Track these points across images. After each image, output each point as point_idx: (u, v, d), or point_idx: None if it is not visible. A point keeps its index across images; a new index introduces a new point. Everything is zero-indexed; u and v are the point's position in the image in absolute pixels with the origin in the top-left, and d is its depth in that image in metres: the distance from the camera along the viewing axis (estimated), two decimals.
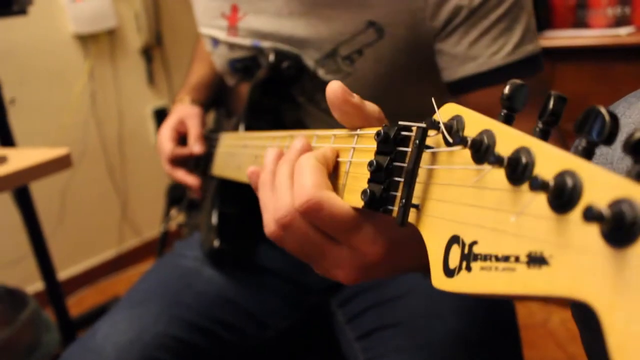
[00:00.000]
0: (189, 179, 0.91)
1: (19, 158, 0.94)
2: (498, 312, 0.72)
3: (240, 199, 0.83)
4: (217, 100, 1.08)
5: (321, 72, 0.78)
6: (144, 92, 2.41)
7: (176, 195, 1.88)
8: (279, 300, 0.87)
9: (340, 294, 0.84)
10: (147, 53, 2.38)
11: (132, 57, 2.35)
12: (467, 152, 0.29)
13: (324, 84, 0.77)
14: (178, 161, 0.92)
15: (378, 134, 0.35)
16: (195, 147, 0.90)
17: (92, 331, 0.76)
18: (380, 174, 0.34)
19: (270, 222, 0.43)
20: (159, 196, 2.15)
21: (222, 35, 0.85)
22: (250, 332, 0.83)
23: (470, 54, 0.69)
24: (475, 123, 0.29)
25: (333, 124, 0.44)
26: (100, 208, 2.33)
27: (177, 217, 1.52)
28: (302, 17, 0.76)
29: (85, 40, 2.18)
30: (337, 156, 0.42)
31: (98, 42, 2.22)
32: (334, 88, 0.39)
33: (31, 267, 1.73)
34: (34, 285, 2.00)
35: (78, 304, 2.19)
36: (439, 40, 0.71)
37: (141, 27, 2.32)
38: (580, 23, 1.84)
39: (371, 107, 0.41)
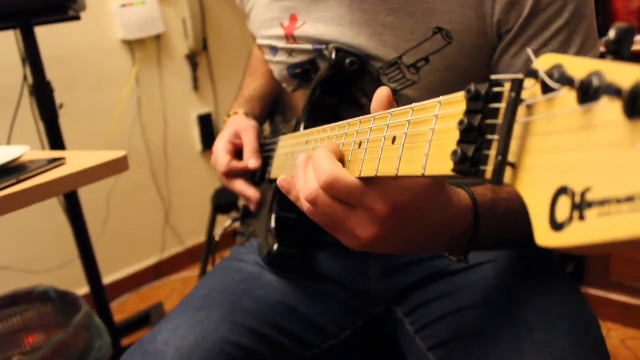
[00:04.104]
0: (250, 192, 0.90)
1: (77, 160, 0.95)
2: (586, 322, 0.68)
3: None
4: (270, 114, 1.09)
5: (385, 80, 0.77)
6: (189, 98, 2.45)
7: (222, 202, 1.90)
8: (341, 308, 0.85)
9: (407, 303, 0.82)
10: (193, 59, 2.42)
11: (178, 63, 2.40)
12: (571, 97, 0.26)
13: None
14: (234, 174, 0.92)
15: (468, 91, 0.33)
16: (251, 161, 0.90)
17: (152, 335, 0.76)
18: (472, 133, 0.33)
19: (303, 202, 0.54)
20: (202, 203, 2.17)
21: (281, 43, 0.85)
22: (312, 341, 0.81)
23: (529, 66, 0.68)
24: (579, 67, 0.27)
25: None
26: (144, 214, 2.37)
27: (223, 224, 1.53)
28: (364, 26, 0.75)
29: (133, 45, 2.24)
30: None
31: (145, 47, 2.27)
32: (382, 97, 0.51)
33: (76, 272, 1.77)
34: (79, 290, 2.04)
35: (120, 310, 2.22)
36: (500, 49, 0.71)
37: (188, 33, 2.36)
38: None
39: None
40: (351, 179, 0.48)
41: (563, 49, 0.67)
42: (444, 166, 0.35)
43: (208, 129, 2.50)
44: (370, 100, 0.79)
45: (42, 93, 1.49)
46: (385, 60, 0.75)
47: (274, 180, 0.84)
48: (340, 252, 0.86)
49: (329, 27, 0.79)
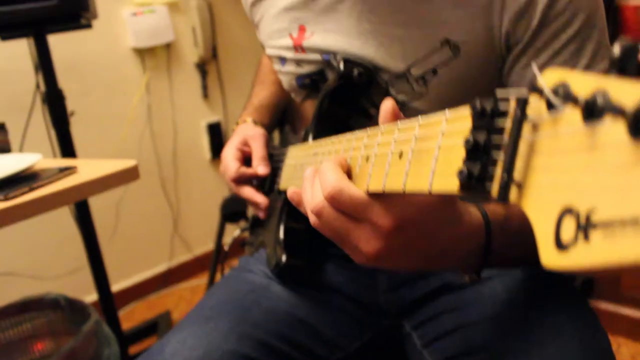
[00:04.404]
0: (258, 198, 0.91)
1: (88, 169, 0.96)
2: (596, 338, 0.67)
3: None
4: (279, 122, 1.09)
5: (393, 92, 0.77)
6: (199, 106, 2.47)
7: (231, 211, 1.90)
8: (349, 321, 0.85)
9: (415, 316, 0.82)
10: (202, 67, 2.44)
11: (187, 71, 2.41)
12: (575, 115, 0.26)
13: (397, 102, 0.76)
14: (242, 181, 0.93)
15: (473, 107, 0.33)
16: (260, 168, 0.90)
17: (160, 346, 0.76)
18: (478, 151, 0.33)
19: (310, 214, 0.53)
20: (211, 211, 2.18)
21: (289, 54, 0.85)
22: (320, 353, 0.81)
23: None
24: (583, 84, 0.27)
25: None
26: (153, 222, 2.37)
27: (231, 233, 1.53)
28: (372, 37, 0.75)
29: (143, 53, 2.25)
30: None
31: (155, 55, 2.29)
32: (387, 109, 0.51)
33: (85, 279, 1.78)
34: (87, 297, 2.05)
35: (128, 317, 2.23)
36: (510, 60, 0.70)
37: (198, 42, 2.38)
38: None
39: None
40: (355, 190, 0.48)
41: (574, 59, 0.67)
42: (451, 184, 0.35)
43: (217, 137, 2.51)
44: (378, 111, 0.80)
45: (54, 101, 1.51)
46: (393, 72, 0.75)
47: (283, 191, 0.84)
48: (349, 264, 0.86)
49: (337, 37, 0.79)
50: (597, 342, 0.66)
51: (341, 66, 0.76)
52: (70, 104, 1.54)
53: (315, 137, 0.80)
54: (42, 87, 1.53)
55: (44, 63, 1.48)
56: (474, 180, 0.33)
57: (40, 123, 1.81)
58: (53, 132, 1.55)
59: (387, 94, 0.77)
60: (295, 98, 0.94)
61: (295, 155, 0.80)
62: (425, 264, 0.54)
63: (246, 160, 0.95)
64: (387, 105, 0.51)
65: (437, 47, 0.71)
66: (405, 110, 0.78)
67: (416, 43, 0.72)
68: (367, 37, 0.76)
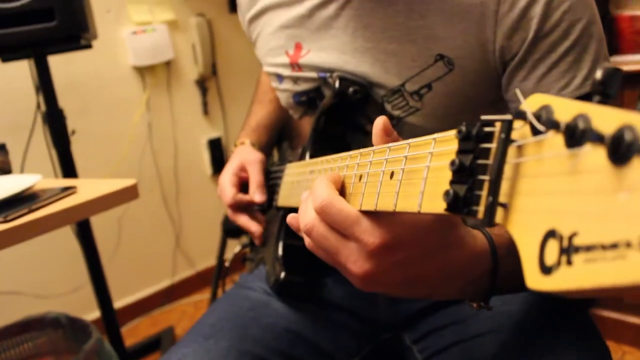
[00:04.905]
0: (252, 226, 0.91)
1: (88, 189, 0.97)
2: (596, 352, 0.66)
3: None
4: (277, 141, 1.09)
5: (389, 107, 0.77)
6: (199, 123, 2.48)
7: (232, 227, 1.90)
8: (348, 335, 0.85)
9: (415, 329, 0.82)
10: (202, 84, 2.45)
11: (187, 88, 2.43)
12: (558, 139, 0.27)
13: (392, 117, 0.77)
14: (239, 206, 0.93)
15: (459, 131, 0.34)
16: (256, 195, 0.91)
17: None
18: (463, 173, 0.33)
19: (303, 234, 0.52)
20: (213, 227, 2.18)
21: (286, 71, 0.86)
22: None
23: (539, 89, 0.68)
24: (565, 110, 0.27)
25: None
26: (155, 238, 2.38)
27: (233, 248, 1.53)
28: (367, 53, 0.76)
29: (143, 71, 2.27)
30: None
31: (156, 73, 2.31)
32: (378, 126, 0.49)
33: (87, 296, 1.78)
34: (89, 314, 2.04)
35: (131, 334, 2.22)
36: (508, 73, 0.70)
37: (197, 59, 2.40)
38: None
39: None
40: (345, 205, 0.48)
41: (573, 71, 0.67)
42: (439, 204, 0.35)
43: (218, 153, 2.52)
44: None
45: (55, 121, 1.52)
46: (389, 87, 0.76)
47: (281, 208, 0.85)
48: (346, 280, 0.86)
49: (332, 55, 0.80)
50: (597, 355, 0.66)
51: (337, 84, 0.77)
52: (71, 123, 1.55)
53: (312, 155, 0.81)
54: (43, 107, 1.54)
55: (44, 84, 1.49)
56: (460, 201, 0.33)
57: (41, 142, 1.82)
58: (54, 152, 1.56)
59: (382, 109, 0.78)
60: (293, 115, 0.94)
61: (293, 172, 0.81)
62: (428, 290, 0.51)
63: (243, 185, 0.95)
64: (378, 123, 0.50)
65: (432, 62, 0.72)
66: (401, 125, 0.78)
67: (410, 59, 0.73)
68: (362, 53, 0.77)
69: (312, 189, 0.52)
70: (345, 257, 0.48)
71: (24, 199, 0.88)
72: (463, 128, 0.33)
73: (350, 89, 0.77)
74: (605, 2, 1.82)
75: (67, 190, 0.93)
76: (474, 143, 0.33)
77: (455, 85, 0.72)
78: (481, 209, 0.32)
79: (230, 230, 1.90)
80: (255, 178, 0.93)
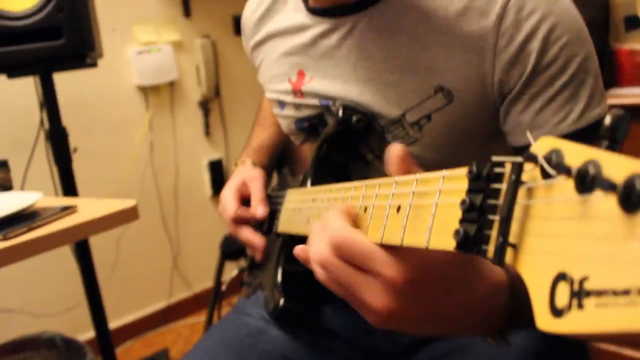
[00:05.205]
0: (256, 239, 0.90)
1: (88, 208, 0.97)
2: None
3: None
4: (278, 163, 1.10)
5: (389, 137, 0.78)
6: (201, 144, 2.49)
7: (230, 248, 1.90)
8: None
9: (414, 359, 0.81)
10: (205, 105, 2.47)
11: (190, 109, 2.44)
12: (568, 184, 0.27)
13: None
14: (241, 222, 0.93)
15: (470, 171, 0.34)
16: (258, 210, 0.90)
17: None
18: (474, 212, 0.33)
19: (315, 267, 0.50)
20: (211, 249, 2.18)
21: (288, 98, 0.87)
22: None
23: (536, 122, 0.68)
24: (575, 154, 0.28)
25: None
26: (153, 258, 2.37)
27: (231, 270, 1.53)
28: (369, 83, 0.77)
29: (147, 91, 2.29)
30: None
31: (159, 93, 2.33)
32: (392, 153, 0.47)
33: (82, 316, 1.76)
34: (84, 334, 2.03)
35: (126, 355, 2.20)
36: (505, 106, 0.71)
37: (201, 80, 2.42)
38: None
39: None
40: (361, 238, 0.46)
41: (570, 105, 0.68)
42: (448, 241, 0.35)
43: (218, 174, 2.53)
44: (376, 157, 0.81)
45: (57, 139, 1.52)
46: (389, 117, 0.77)
47: (281, 234, 0.85)
48: (347, 307, 0.86)
49: (335, 83, 0.80)
50: None
51: (340, 113, 0.78)
52: (74, 140, 1.56)
53: (313, 182, 0.81)
54: (46, 124, 1.55)
55: (49, 101, 1.51)
56: (470, 241, 0.33)
57: (43, 159, 1.83)
58: (55, 169, 1.56)
59: (383, 139, 0.78)
60: (294, 141, 0.95)
61: (294, 199, 0.81)
62: (445, 326, 0.49)
63: (245, 201, 0.95)
64: (394, 150, 0.47)
65: (431, 93, 0.73)
66: None
67: (411, 89, 0.74)
68: (364, 83, 0.77)
69: (324, 220, 0.50)
70: (364, 290, 0.46)
71: (24, 217, 0.88)
72: (474, 168, 0.34)
73: (354, 118, 0.77)
74: (604, 36, 1.85)
75: (67, 210, 0.93)
76: (485, 183, 0.33)
77: (455, 116, 0.73)
78: (491, 249, 0.32)
79: (229, 252, 1.91)
80: (257, 193, 0.93)
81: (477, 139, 0.75)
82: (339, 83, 0.80)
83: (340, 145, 0.81)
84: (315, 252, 0.49)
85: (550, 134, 0.66)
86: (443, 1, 0.71)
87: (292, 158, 1.07)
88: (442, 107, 0.73)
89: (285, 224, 0.83)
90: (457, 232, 0.34)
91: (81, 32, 1.41)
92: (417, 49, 0.73)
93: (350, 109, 0.78)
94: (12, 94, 1.91)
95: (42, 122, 1.81)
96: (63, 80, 1.66)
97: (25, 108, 1.90)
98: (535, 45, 0.66)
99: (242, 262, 1.71)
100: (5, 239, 0.80)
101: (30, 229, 0.84)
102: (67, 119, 1.54)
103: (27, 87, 1.81)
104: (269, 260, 0.91)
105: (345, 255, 0.46)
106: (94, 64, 1.55)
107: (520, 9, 0.67)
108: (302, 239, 0.71)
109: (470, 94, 0.71)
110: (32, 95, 1.83)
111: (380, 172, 0.81)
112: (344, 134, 0.79)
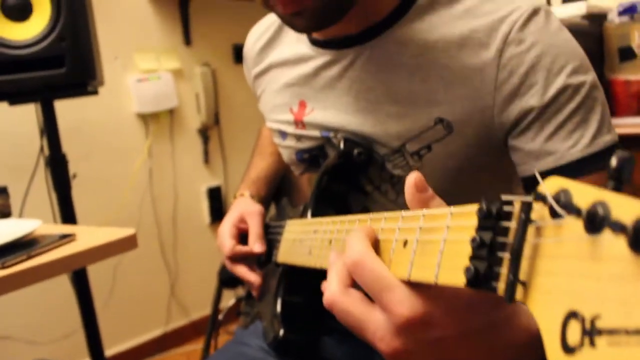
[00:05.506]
0: (251, 277, 0.91)
1: (87, 237, 0.97)
2: None
3: (305, 287, 0.83)
4: (276, 194, 1.10)
5: (389, 166, 0.79)
6: (200, 171, 2.50)
7: (228, 276, 1.89)
8: None
9: None
10: (204, 133, 2.49)
11: (189, 136, 2.46)
12: (577, 224, 0.28)
13: (392, 177, 0.78)
14: (238, 257, 0.94)
15: (480, 209, 0.35)
16: (255, 246, 0.91)
17: None
18: (484, 250, 0.34)
19: (325, 304, 0.47)
20: (208, 276, 2.16)
21: (290, 128, 0.88)
22: None
23: (547, 149, 0.68)
24: (584, 195, 0.28)
25: None
26: (151, 285, 2.36)
27: (229, 298, 1.52)
28: (370, 114, 0.78)
29: (147, 119, 2.30)
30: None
31: (159, 121, 2.34)
32: (409, 183, 0.45)
33: (78, 343, 1.74)
34: None
35: None
36: (513, 137, 0.71)
37: (200, 108, 2.44)
38: None
39: (437, 202, 0.45)
40: (380, 265, 0.43)
41: (581, 130, 0.67)
42: (457, 278, 0.36)
43: (217, 201, 2.53)
44: (375, 188, 0.82)
45: (57, 165, 1.53)
46: (390, 147, 0.77)
47: (281, 264, 0.85)
48: (346, 338, 0.86)
49: (336, 114, 0.81)
50: None
51: (342, 145, 0.79)
52: (73, 166, 1.56)
53: (313, 213, 0.81)
54: (46, 151, 1.55)
55: (50, 128, 1.52)
56: (481, 277, 0.34)
57: (42, 185, 1.83)
58: (54, 195, 1.56)
59: (383, 168, 0.79)
60: (294, 171, 0.96)
61: (294, 229, 0.81)
62: None
63: (242, 236, 0.96)
64: (410, 179, 0.45)
65: (431, 125, 0.74)
66: (401, 184, 0.79)
67: (411, 121, 0.75)
68: (365, 114, 0.78)
69: (347, 240, 0.47)
70: (372, 333, 0.43)
71: (22, 245, 0.88)
72: (484, 206, 0.34)
73: (355, 151, 0.78)
74: (599, 67, 1.88)
75: (66, 238, 0.93)
76: (494, 221, 0.34)
77: (455, 147, 0.74)
78: (501, 286, 0.33)
79: (227, 280, 1.89)
80: (254, 229, 0.93)
81: (477, 168, 0.76)
82: (339, 114, 0.81)
83: (340, 177, 0.82)
84: (328, 287, 0.47)
85: (562, 160, 0.66)
86: (443, 33, 0.72)
87: (290, 188, 1.07)
88: (442, 137, 0.73)
89: (286, 255, 0.83)
90: (467, 269, 0.34)
91: (83, 60, 1.43)
92: (417, 81, 0.74)
93: (351, 141, 0.79)
94: (13, 120, 1.92)
95: (42, 149, 1.82)
96: (63, 107, 1.67)
97: (25, 134, 1.91)
98: (539, 76, 0.67)
99: (240, 291, 1.70)
100: (3, 267, 0.80)
101: (29, 257, 0.84)
102: (66, 145, 1.55)
103: (27, 113, 1.82)
104: (267, 290, 0.91)
105: (361, 276, 0.44)
106: (95, 92, 1.57)
107: (522, 41, 0.68)
108: (303, 269, 0.71)
109: (470, 125, 0.72)
110: (32, 122, 1.84)
111: (379, 204, 0.82)
112: (345, 166, 0.79)
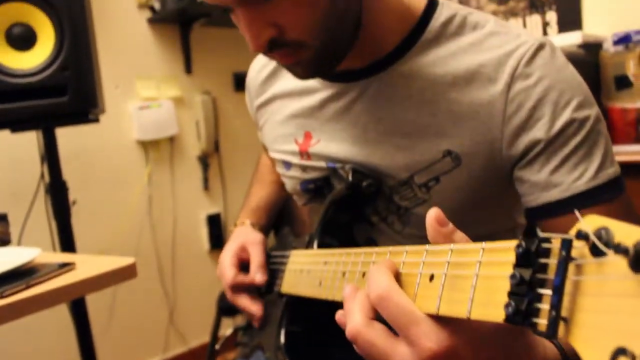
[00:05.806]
0: (253, 308, 0.90)
1: (86, 266, 0.96)
2: None
3: (309, 317, 0.82)
4: (276, 223, 1.10)
5: (396, 198, 0.79)
6: (199, 198, 2.50)
7: (227, 304, 1.87)
8: None
9: None
10: (204, 160, 2.49)
11: (189, 163, 2.46)
12: (621, 262, 0.28)
13: (399, 208, 0.78)
14: (239, 287, 0.92)
15: (519, 246, 0.35)
16: (257, 276, 0.90)
17: None
18: (523, 287, 0.34)
19: (349, 337, 0.48)
20: (207, 303, 2.14)
21: (294, 159, 0.88)
22: None
23: (553, 180, 0.69)
24: (626, 233, 0.29)
25: (404, 244, 0.51)
26: (149, 312, 2.33)
27: (228, 326, 1.49)
28: (378, 146, 0.78)
29: (147, 146, 2.31)
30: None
31: (159, 148, 2.34)
32: (430, 217, 0.47)
33: None
34: None
35: None
36: (519, 169, 0.72)
37: (200, 135, 2.44)
38: None
39: (459, 236, 0.46)
40: (405, 299, 0.44)
41: (585, 163, 0.68)
42: (493, 313, 0.36)
43: (216, 228, 2.52)
44: (381, 219, 0.82)
45: (57, 193, 1.52)
46: (397, 179, 0.77)
47: (284, 294, 0.84)
48: None
49: (342, 145, 0.81)
50: None
51: (350, 177, 0.78)
52: (73, 193, 1.56)
53: (320, 244, 0.81)
54: (47, 177, 1.54)
55: (50, 155, 1.51)
56: (522, 314, 0.34)
57: (42, 212, 1.82)
58: (53, 221, 1.55)
59: (391, 200, 0.79)
60: (298, 201, 0.95)
61: (300, 260, 0.80)
62: None
63: (243, 265, 0.95)
64: (430, 214, 0.47)
65: (439, 157, 0.74)
66: (408, 216, 0.79)
67: (419, 153, 0.75)
68: (373, 146, 0.78)
69: (368, 275, 0.48)
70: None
71: (21, 274, 0.87)
72: (523, 243, 0.35)
73: (364, 182, 0.78)
74: (596, 95, 1.90)
75: (66, 267, 0.91)
76: (533, 258, 0.34)
77: (463, 179, 0.74)
78: (543, 322, 0.33)
79: (226, 308, 1.87)
80: (256, 259, 0.92)
81: (482, 200, 0.76)
82: (346, 145, 0.81)
83: (347, 208, 0.82)
84: (348, 322, 0.48)
85: (567, 192, 0.67)
86: (451, 67, 0.73)
87: (293, 218, 1.06)
88: (450, 170, 0.74)
89: (291, 286, 0.81)
90: (508, 305, 0.34)
91: (85, 89, 1.43)
92: (425, 114, 0.74)
93: (359, 172, 0.79)
94: (14, 147, 1.92)
95: (42, 175, 1.81)
96: (64, 134, 1.67)
97: (26, 161, 1.91)
98: (546, 110, 0.68)
99: (239, 320, 1.68)
100: (2, 297, 0.79)
101: (27, 287, 0.83)
102: (66, 172, 1.54)
103: (28, 140, 1.82)
104: (268, 320, 0.89)
105: (386, 310, 0.45)
106: (96, 120, 1.57)
107: (529, 76, 0.69)
108: (307, 300, 0.70)
109: (478, 158, 0.72)
110: (33, 148, 1.84)
111: (386, 235, 0.82)
112: (352, 197, 0.79)
